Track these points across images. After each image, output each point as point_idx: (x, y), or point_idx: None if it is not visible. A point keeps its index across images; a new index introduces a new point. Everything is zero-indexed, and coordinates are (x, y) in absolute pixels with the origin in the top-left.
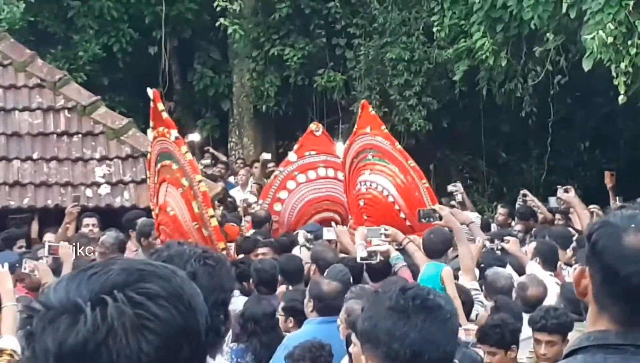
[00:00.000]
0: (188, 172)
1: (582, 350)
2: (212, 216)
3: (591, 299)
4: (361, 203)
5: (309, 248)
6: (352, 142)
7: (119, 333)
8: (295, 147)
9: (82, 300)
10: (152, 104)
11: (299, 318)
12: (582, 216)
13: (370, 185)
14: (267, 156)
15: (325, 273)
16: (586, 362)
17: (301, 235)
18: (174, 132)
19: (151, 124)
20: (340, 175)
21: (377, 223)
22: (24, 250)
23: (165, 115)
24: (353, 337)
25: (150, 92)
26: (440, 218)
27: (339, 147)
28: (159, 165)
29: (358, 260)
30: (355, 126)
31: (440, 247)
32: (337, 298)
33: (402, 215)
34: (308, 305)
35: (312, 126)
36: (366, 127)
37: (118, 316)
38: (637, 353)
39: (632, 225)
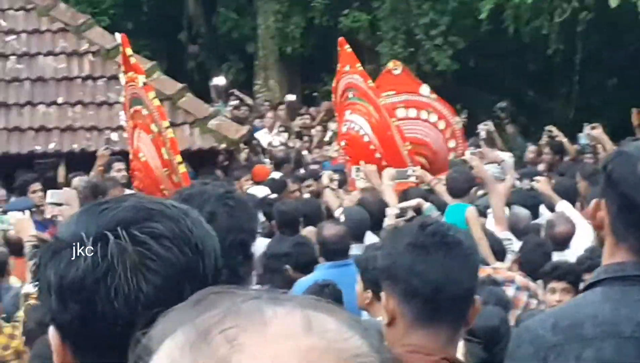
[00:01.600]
0: (156, 118)
1: (600, 283)
2: (180, 163)
3: (608, 231)
4: (343, 143)
5: (333, 189)
6: (337, 81)
7: (119, 270)
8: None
9: (86, 234)
10: (121, 48)
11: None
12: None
13: (350, 125)
14: (291, 97)
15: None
16: (605, 295)
17: (326, 176)
18: (142, 78)
19: (122, 68)
20: (424, 114)
21: (356, 163)
22: (39, 194)
23: (133, 60)
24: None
25: (118, 36)
26: (471, 168)
27: (425, 88)
28: (131, 110)
29: (392, 220)
30: (338, 65)
31: (464, 186)
32: (339, 242)
33: (378, 155)
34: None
35: (390, 64)
36: (346, 65)
37: (118, 253)
38: None
39: None
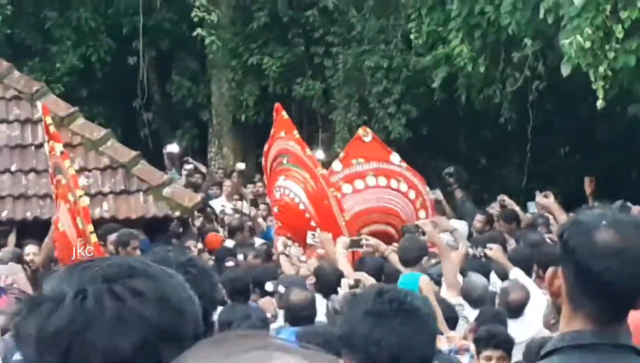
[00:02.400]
0: (72, 187)
1: (557, 351)
2: (91, 232)
3: (565, 299)
4: (275, 209)
5: (287, 255)
6: (270, 145)
7: (97, 325)
8: (341, 155)
9: (67, 288)
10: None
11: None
12: (561, 222)
13: (284, 191)
14: (241, 166)
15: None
16: None
17: (280, 242)
18: (59, 146)
19: (45, 138)
20: (394, 183)
21: (289, 230)
22: None
23: (52, 129)
24: None
25: (39, 105)
26: (424, 233)
27: (395, 156)
28: (55, 179)
29: (346, 290)
30: (272, 130)
31: (415, 254)
32: (307, 307)
33: (313, 223)
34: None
35: (360, 131)
36: (281, 131)
37: (97, 308)
38: (612, 351)
39: (603, 222)
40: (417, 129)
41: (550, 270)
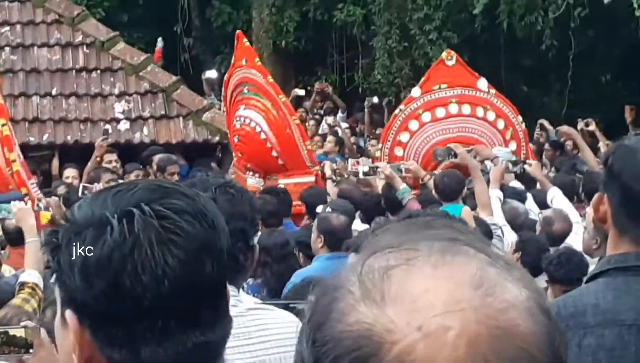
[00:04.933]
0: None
1: (603, 274)
2: (13, 161)
3: (611, 224)
4: (235, 139)
5: (334, 181)
6: (230, 75)
7: (145, 245)
8: (422, 80)
9: (109, 213)
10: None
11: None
12: (584, 151)
13: (244, 121)
14: (300, 92)
15: (329, 208)
16: (607, 285)
17: (327, 167)
18: None
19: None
20: (480, 111)
21: (249, 160)
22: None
23: None
24: None
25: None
26: (456, 155)
27: (483, 82)
28: None
29: (360, 176)
30: (233, 59)
31: (455, 188)
32: (347, 231)
33: (274, 153)
34: (317, 241)
35: (444, 54)
36: (242, 59)
37: (145, 228)
38: None
39: None
40: (458, 56)
41: (596, 195)
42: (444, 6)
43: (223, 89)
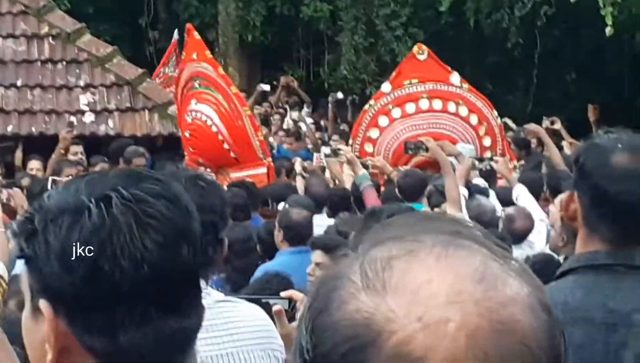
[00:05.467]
0: None
1: (572, 272)
2: None
3: (580, 222)
4: (187, 134)
5: (304, 177)
6: (181, 70)
7: (124, 229)
8: (393, 75)
9: (86, 198)
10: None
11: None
12: (550, 148)
13: (196, 115)
14: (265, 87)
15: (289, 203)
16: (576, 283)
17: (298, 163)
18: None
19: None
20: (452, 107)
21: (201, 154)
22: (0, 178)
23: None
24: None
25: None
26: (427, 149)
27: (455, 76)
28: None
29: (322, 158)
30: (183, 53)
31: (417, 188)
32: (307, 226)
33: (226, 146)
34: (278, 236)
35: (415, 48)
36: (193, 53)
37: (123, 212)
38: (626, 272)
39: (619, 145)
40: None
41: (566, 194)
42: (410, 3)
43: (174, 85)
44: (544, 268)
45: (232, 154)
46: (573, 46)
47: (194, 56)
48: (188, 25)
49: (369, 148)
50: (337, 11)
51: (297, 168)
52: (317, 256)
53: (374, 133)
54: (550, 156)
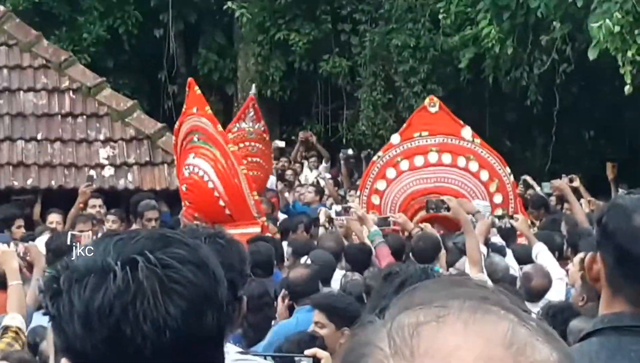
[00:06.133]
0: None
1: (596, 333)
2: None
3: (604, 283)
4: (184, 188)
5: (327, 228)
6: (181, 123)
7: (148, 293)
8: (403, 127)
9: (113, 260)
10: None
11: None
12: (574, 205)
13: (193, 169)
14: (280, 143)
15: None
16: (601, 344)
17: (322, 213)
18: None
19: None
20: (461, 161)
21: (197, 209)
22: (22, 230)
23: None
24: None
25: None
26: (448, 209)
27: (467, 130)
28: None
29: (333, 215)
30: (184, 107)
31: (430, 253)
32: (306, 284)
33: (222, 203)
34: (283, 294)
35: (426, 100)
36: (193, 107)
37: (148, 276)
38: None
39: None
40: None
41: (588, 255)
42: (429, 59)
43: (174, 137)
44: (559, 313)
45: (227, 211)
46: (592, 103)
47: (194, 110)
48: (190, 80)
49: (375, 200)
50: (355, 67)
51: (322, 218)
52: (318, 316)
53: (381, 185)
54: (574, 213)
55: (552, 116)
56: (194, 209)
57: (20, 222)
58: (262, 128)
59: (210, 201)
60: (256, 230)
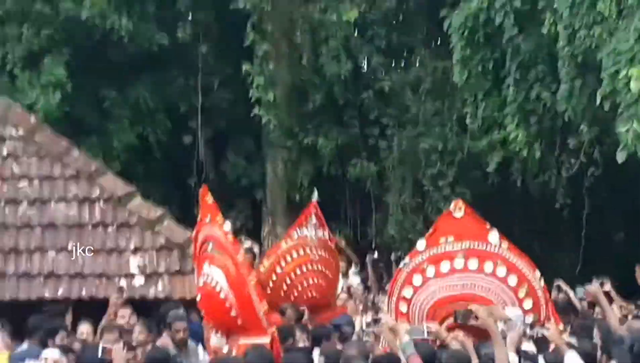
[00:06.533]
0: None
1: None
2: None
3: None
4: (198, 297)
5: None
6: (197, 231)
7: None
8: (429, 232)
9: None
10: None
11: None
12: (608, 311)
13: (207, 279)
14: None
15: None
16: None
17: (357, 322)
18: None
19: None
20: (488, 267)
21: (211, 318)
22: (65, 342)
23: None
24: None
25: None
26: (477, 318)
27: (494, 235)
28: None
29: (364, 327)
30: (200, 216)
31: None
32: None
33: (233, 313)
34: None
35: (452, 205)
36: (206, 216)
37: None
38: None
39: None
40: None
41: None
42: (457, 163)
43: (192, 244)
44: None
45: (238, 322)
46: (621, 205)
47: (207, 219)
48: (202, 189)
49: (403, 307)
50: (384, 171)
51: (357, 326)
52: None
53: (407, 292)
54: (608, 320)
55: (581, 218)
56: (209, 318)
57: (63, 334)
58: (327, 236)
59: (222, 310)
60: (266, 340)
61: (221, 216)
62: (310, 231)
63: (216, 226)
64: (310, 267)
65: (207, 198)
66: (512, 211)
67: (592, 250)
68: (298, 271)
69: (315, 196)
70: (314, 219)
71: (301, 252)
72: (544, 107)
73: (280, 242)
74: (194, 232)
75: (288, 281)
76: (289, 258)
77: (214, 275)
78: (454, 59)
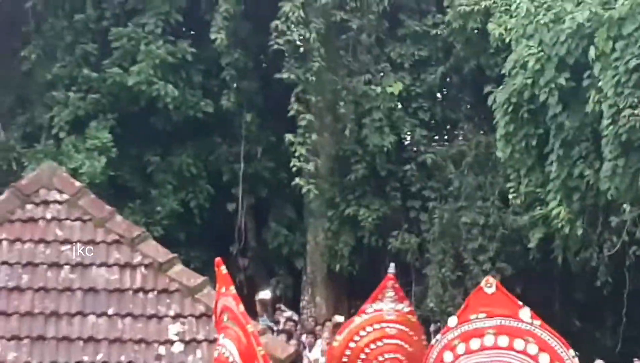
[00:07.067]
0: None
1: None
2: None
3: None
4: None
5: None
6: (217, 301)
7: None
8: (460, 309)
9: None
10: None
11: None
12: None
13: (221, 350)
14: (340, 318)
15: None
16: None
17: None
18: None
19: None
20: (519, 344)
21: None
22: None
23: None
24: None
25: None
26: None
27: (525, 311)
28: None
29: None
30: (217, 287)
31: None
32: None
33: None
34: None
35: (483, 282)
36: (222, 287)
37: None
38: None
39: None
40: (511, 288)
41: None
42: (498, 238)
43: (213, 314)
44: None
45: None
46: None
47: (223, 290)
48: (217, 260)
49: None
50: (424, 243)
51: None
52: None
53: None
54: None
55: (622, 296)
56: None
57: None
58: (407, 309)
59: None
60: None
61: (233, 287)
62: (387, 304)
63: (230, 296)
64: (386, 342)
65: (222, 268)
66: (553, 287)
67: (633, 329)
68: (373, 346)
69: (392, 268)
70: (391, 292)
71: (376, 326)
72: (586, 184)
73: (354, 317)
74: (214, 303)
75: (363, 356)
76: (362, 333)
77: (227, 346)
78: (497, 134)
